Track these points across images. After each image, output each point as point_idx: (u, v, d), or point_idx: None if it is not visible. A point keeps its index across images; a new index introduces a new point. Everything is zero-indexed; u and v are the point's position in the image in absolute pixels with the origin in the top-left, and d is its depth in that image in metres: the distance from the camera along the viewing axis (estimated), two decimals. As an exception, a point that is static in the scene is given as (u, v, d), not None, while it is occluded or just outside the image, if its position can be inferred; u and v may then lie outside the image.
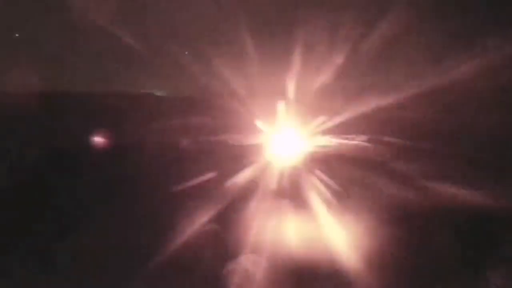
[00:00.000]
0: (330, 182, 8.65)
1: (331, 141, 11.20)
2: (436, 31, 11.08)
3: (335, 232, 7.34)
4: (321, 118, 10.95)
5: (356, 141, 11.42)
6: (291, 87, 10.95)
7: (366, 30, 10.66)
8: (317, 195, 8.34)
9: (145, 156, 9.27)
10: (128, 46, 10.86)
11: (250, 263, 6.63)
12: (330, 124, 11.05)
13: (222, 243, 7.04)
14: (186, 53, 10.40)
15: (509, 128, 10.14)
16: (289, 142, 10.99)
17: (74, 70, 11.91)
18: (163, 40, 11.09)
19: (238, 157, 9.68)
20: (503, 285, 6.50)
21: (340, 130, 11.31)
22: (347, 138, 11.47)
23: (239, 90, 10.91)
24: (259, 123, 11.02)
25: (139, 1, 11.69)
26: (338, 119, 10.96)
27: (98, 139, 10.14)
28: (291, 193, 8.36)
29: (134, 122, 11.22)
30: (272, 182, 8.70)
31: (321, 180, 8.78)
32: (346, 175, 8.81)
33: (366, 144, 11.30)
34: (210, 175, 8.59)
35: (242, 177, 8.67)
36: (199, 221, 7.48)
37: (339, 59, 10.75)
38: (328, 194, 8.32)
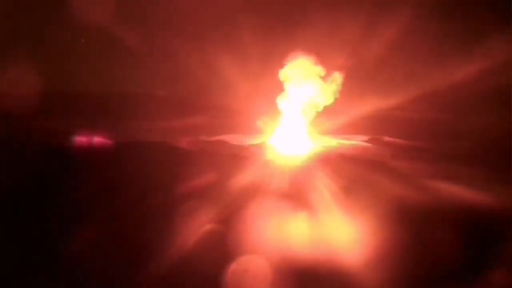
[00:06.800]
0: (331, 181, 8.65)
1: (333, 141, 11.23)
2: (436, 34, 11.14)
3: (336, 232, 7.35)
4: (323, 118, 10.98)
5: (357, 141, 11.45)
6: (291, 87, 10.97)
7: (368, 31, 10.70)
8: (318, 194, 8.34)
9: (146, 156, 9.26)
10: (128, 46, 10.88)
11: (251, 263, 6.63)
12: (331, 124, 11.09)
13: (223, 243, 7.03)
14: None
15: (508, 128, 10.16)
16: (290, 142, 11.01)
17: (74, 70, 11.93)
18: (163, 40, 11.11)
19: (239, 157, 9.68)
20: (503, 285, 6.52)
21: (341, 130, 11.35)
22: (348, 138, 11.50)
23: (239, 90, 10.92)
24: (259, 123, 11.04)
25: (140, 1, 11.72)
26: (339, 120, 11.00)
27: (98, 139, 10.14)
28: (292, 193, 8.35)
29: (134, 122, 11.22)
30: (273, 182, 8.69)
31: (322, 180, 8.78)
32: (347, 175, 8.82)
33: (367, 144, 11.34)
34: (210, 175, 8.57)
35: (243, 177, 8.66)
36: (200, 221, 7.48)
37: (340, 60, 10.78)
38: (329, 194, 8.32)
